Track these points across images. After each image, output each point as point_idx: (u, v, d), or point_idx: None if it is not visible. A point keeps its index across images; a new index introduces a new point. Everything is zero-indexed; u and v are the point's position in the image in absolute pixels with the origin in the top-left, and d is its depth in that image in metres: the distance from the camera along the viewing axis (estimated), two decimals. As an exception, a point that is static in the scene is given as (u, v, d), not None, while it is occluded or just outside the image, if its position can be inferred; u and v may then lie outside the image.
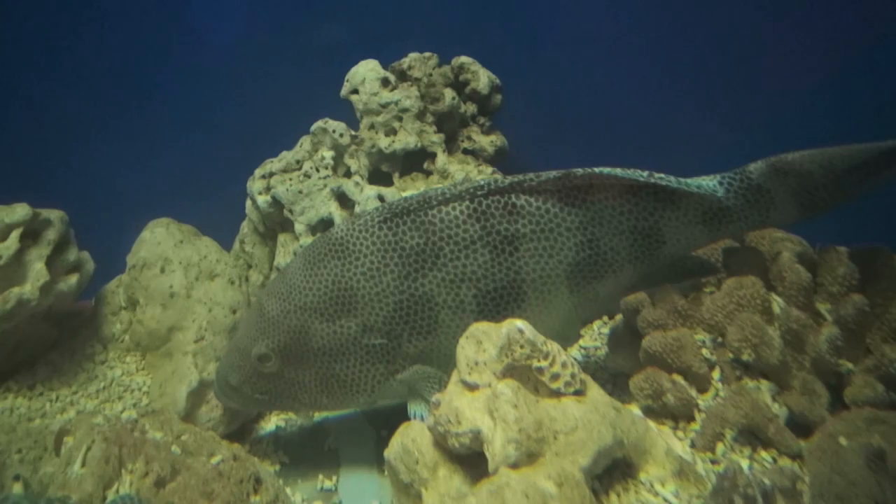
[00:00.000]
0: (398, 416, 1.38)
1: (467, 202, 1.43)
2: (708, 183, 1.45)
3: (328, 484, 1.61)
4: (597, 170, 1.42)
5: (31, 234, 1.74)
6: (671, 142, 2.28)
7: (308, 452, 1.74)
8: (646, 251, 1.45)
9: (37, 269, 1.68)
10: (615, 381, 1.65)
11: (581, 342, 1.91)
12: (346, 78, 2.26)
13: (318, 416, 1.87)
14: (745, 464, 1.18)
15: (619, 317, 1.69)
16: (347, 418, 1.85)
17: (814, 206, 1.44)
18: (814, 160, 1.43)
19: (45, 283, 1.67)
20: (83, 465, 1.18)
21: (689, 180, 1.45)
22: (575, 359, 1.63)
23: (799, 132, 1.97)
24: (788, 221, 1.47)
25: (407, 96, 2.18)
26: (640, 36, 2.31)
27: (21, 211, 1.70)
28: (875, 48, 2.04)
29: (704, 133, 2.27)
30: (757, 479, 0.78)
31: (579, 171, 1.42)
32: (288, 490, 1.56)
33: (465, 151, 2.27)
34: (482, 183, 1.44)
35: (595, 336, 1.94)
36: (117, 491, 1.14)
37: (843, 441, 1.01)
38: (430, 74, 2.25)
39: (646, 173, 1.43)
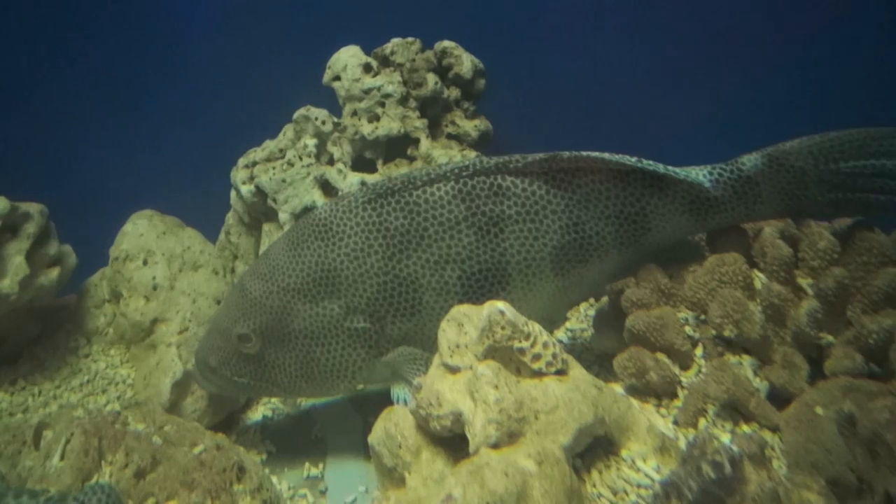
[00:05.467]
0: (385, 402, 1.37)
1: (452, 183, 1.42)
2: (697, 173, 1.44)
3: (314, 471, 1.60)
4: (584, 153, 1.41)
5: (10, 227, 1.72)
6: (658, 127, 2.27)
7: (295, 441, 1.73)
8: (631, 237, 1.45)
9: (16, 264, 1.66)
10: (601, 363, 1.64)
11: (567, 324, 1.91)
12: (328, 65, 2.25)
13: (305, 404, 1.87)
14: (726, 438, 1.18)
15: (605, 299, 1.69)
16: (334, 406, 1.84)
17: (801, 209, 1.43)
18: (811, 153, 1.40)
19: (24, 277, 1.65)
20: (62, 457, 1.17)
21: (677, 169, 1.44)
22: (560, 340, 1.63)
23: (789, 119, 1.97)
24: (773, 217, 1.47)
25: (389, 82, 2.16)
26: (626, 19, 2.30)
27: (-1, 204, 1.69)
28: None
29: (692, 118, 2.26)
30: (725, 447, 0.78)
31: (566, 153, 1.41)
32: (274, 479, 1.56)
33: (449, 136, 2.25)
34: (467, 163, 1.43)
35: (581, 318, 1.94)
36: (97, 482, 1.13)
37: (819, 410, 1.01)
38: (413, 60, 2.23)
39: (634, 158, 1.42)
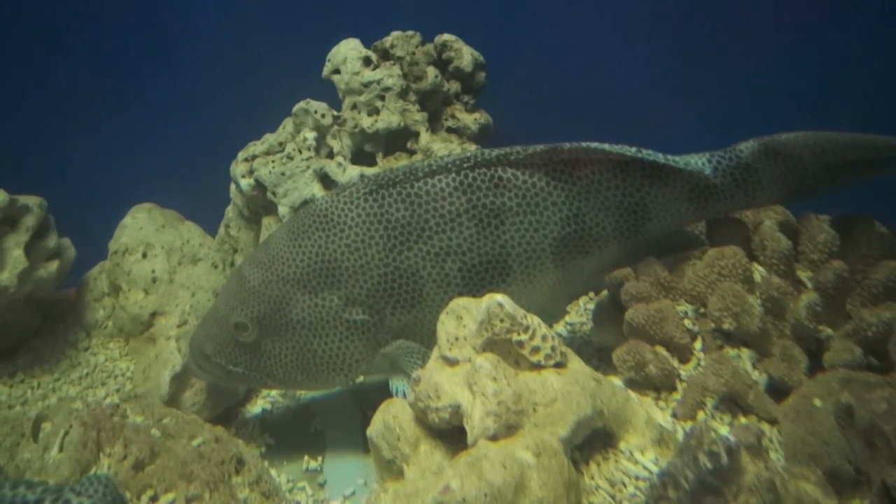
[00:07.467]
0: (384, 395, 1.37)
1: (453, 174, 1.42)
2: (696, 161, 1.45)
3: (313, 464, 1.60)
4: (584, 144, 1.41)
5: (9, 220, 1.72)
6: (657, 118, 2.26)
7: (294, 434, 1.73)
8: (631, 227, 1.45)
9: (14, 256, 1.66)
10: (600, 356, 1.64)
11: (567, 318, 1.91)
12: (328, 58, 2.24)
13: (304, 397, 1.87)
14: (724, 430, 1.18)
15: (604, 292, 1.69)
16: (333, 399, 1.84)
17: (800, 191, 1.44)
18: (807, 144, 1.42)
19: (23, 269, 1.65)
20: (60, 450, 1.17)
21: (677, 158, 1.44)
22: (559, 333, 1.63)
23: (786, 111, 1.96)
24: (773, 203, 1.48)
25: (389, 75, 2.16)
26: (626, 12, 2.29)
27: (-3, 197, 1.68)
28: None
29: (691, 110, 2.26)
30: (722, 437, 0.78)
31: (566, 145, 1.42)
32: (273, 471, 1.56)
33: (449, 130, 2.25)
34: (468, 155, 1.43)
35: (581, 312, 1.94)
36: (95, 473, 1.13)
37: (817, 402, 1.01)
38: (413, 53, 2.23)
39: (633, 149, 1.42)
